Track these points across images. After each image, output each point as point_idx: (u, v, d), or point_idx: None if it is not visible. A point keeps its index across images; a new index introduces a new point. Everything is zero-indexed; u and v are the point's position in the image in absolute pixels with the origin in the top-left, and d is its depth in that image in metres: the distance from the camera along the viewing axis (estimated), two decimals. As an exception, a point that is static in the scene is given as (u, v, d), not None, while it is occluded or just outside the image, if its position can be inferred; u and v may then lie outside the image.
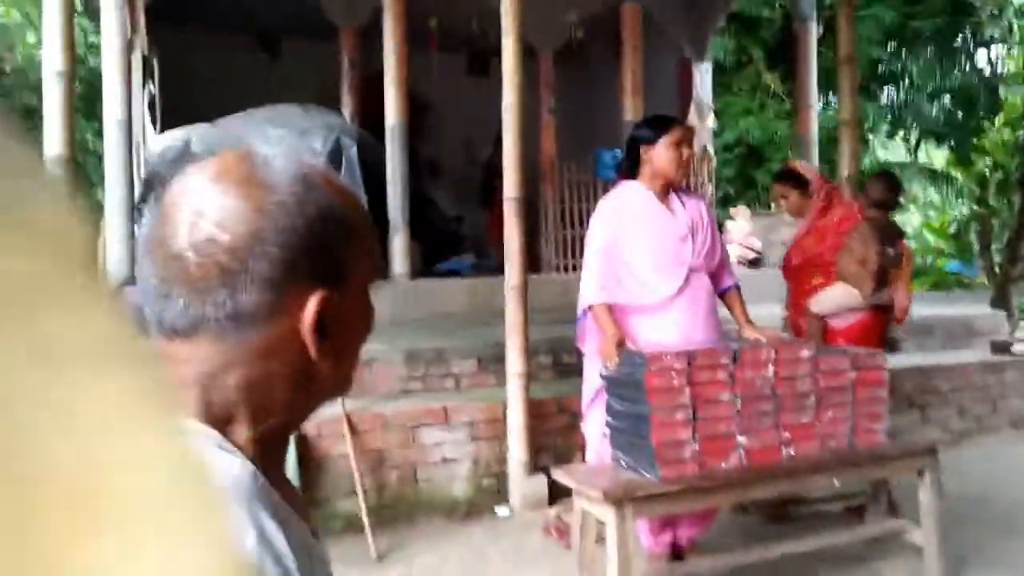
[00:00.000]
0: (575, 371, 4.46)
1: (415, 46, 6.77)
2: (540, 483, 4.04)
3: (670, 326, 3.14)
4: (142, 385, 0.30)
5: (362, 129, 6.67)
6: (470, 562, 3.48)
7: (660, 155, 3.14)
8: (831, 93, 12.60)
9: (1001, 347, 5.66)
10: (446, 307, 6.16)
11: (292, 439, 3.48)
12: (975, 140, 10.56)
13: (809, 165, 4.67)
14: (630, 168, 3.27)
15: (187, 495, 0.31)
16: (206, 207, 0.68)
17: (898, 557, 3.35)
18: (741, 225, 9.06)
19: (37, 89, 8.82)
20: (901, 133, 14.19)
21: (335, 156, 5.93)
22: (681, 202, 3.25)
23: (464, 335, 5.06)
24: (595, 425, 3.23)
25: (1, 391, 0.25)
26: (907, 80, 13.25)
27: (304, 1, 7.46)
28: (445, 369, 4.55)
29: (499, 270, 4.82)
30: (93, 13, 8.71)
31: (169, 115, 7.27)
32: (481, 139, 9.97)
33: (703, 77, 9.31)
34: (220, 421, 0.69)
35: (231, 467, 0.64)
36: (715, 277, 3.36)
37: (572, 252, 8.38)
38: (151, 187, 5.74)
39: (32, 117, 9.88)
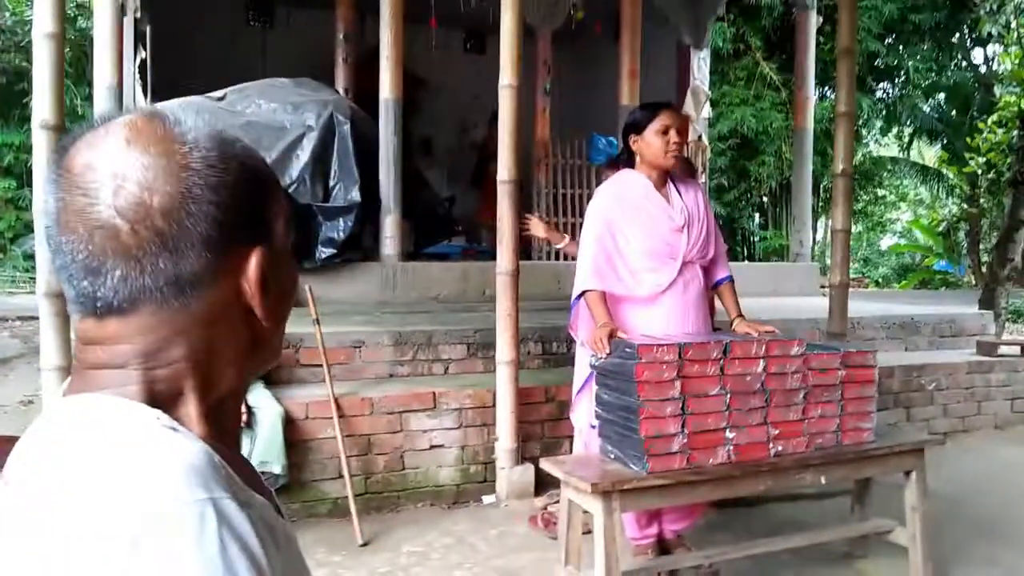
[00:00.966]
0: (564, 360, 4.47)
1: (412, 21, 6.67)
2: (527, 472, 4.03)
3: (660, 318, 3.13)
4: None
5: (355, 105, 6.58)
6: (456, 549, 3.47)
7: (647, 143, 3.11)
8: (826, 86, 12.59)
9: (988, 348, 5.69)
10: (436, 290, 6.12)
11: (280, 421, 3.47)
12: (968, 139, 10.58)
13: None
14: (628, 157, 3.24)
15: None
16: (127, 170, 0.64)
17: (882, 556, 3.37)
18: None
19: (26, 50, 8.67)
20: (895, 129, 14.23)
21: (328, 132, 5.85)
22: (678, 191, 3.22)
23: (454, 320, 5.03)
24: (584, 413, 3.22)
25: None
26: (903, 75, 13.26)
27: (300, -29, 7.33)
28: (434, 354, 4.53)
29: (490, 255, 4.78)
30: (84, -25, 8.56)
31: (160, 83, 7.16)
32: (475, 118, 9.90)
33: (701, 64, 9.25)
34: (166, 399, 0.65)
35: (184, 451, 0.60)
36: (709, 269, 3.34)
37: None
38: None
39: (22, 79, 9.73)
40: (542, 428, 4.24)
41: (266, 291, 0.69)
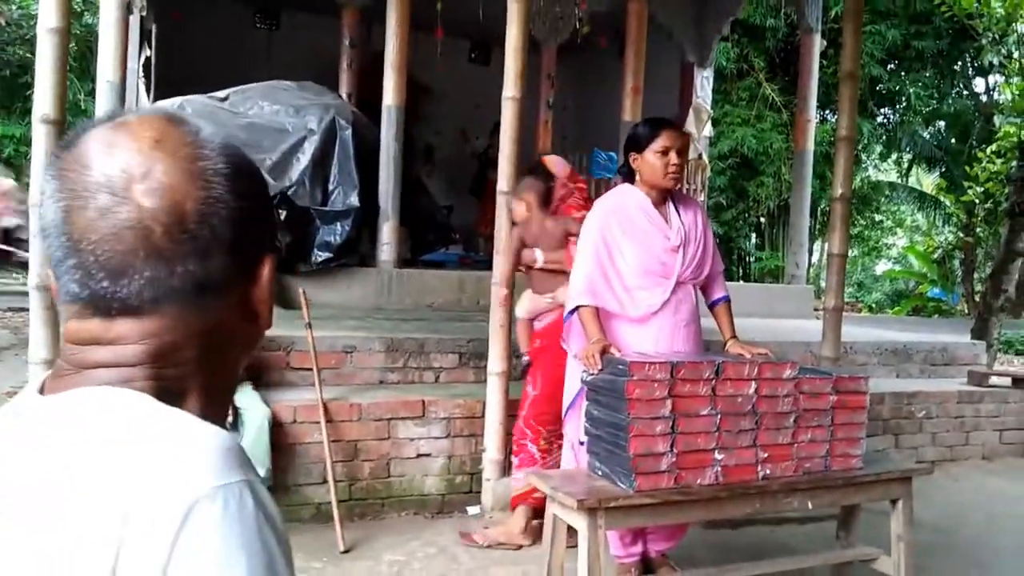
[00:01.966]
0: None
1: (418, 29, 6.69)
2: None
3: (651, 337, 3.12)
4: None
5: (357, 110, 6.59)
6: (438, 560, 3.45)
7: (646, 163, 3.09)
8: (827, 109, 12.65)
9: (979, 378, 5.69)
10: (431, 298, 6.11)
11: (268, 423, 3.44)
12: (967, 168, 10.63)
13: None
14: (629, 172, 3.23)
15: None
16: (158, 173, 0.64)
17: (865, 583, 3.36)
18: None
19: (31, 43, 8.66)
20: (894, 155, 14.29)
21: (329, 136, 5.85)
22: (677, 210, 3.20)
23: (447, 328, 5.02)
24: (573, 429, 3.21)
25: None
26: (904, 101, 13.32)
27: (308, -25, 7.36)
28: (425, 362, 4.51)
29: (486, 264, 4.77)
30: (92, -30, 8.57)
31: (163, 81, 7.17)
32: (477, 128, 9.91)
33: (704, 83, 9.29)
34: (172, 397, 0.66)
35: (218, 436, 0.62)
36: (705, 288, 3.33)
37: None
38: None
39: (26, 72, 9.72)
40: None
41: (272, 299, 0.73)
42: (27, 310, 3.40)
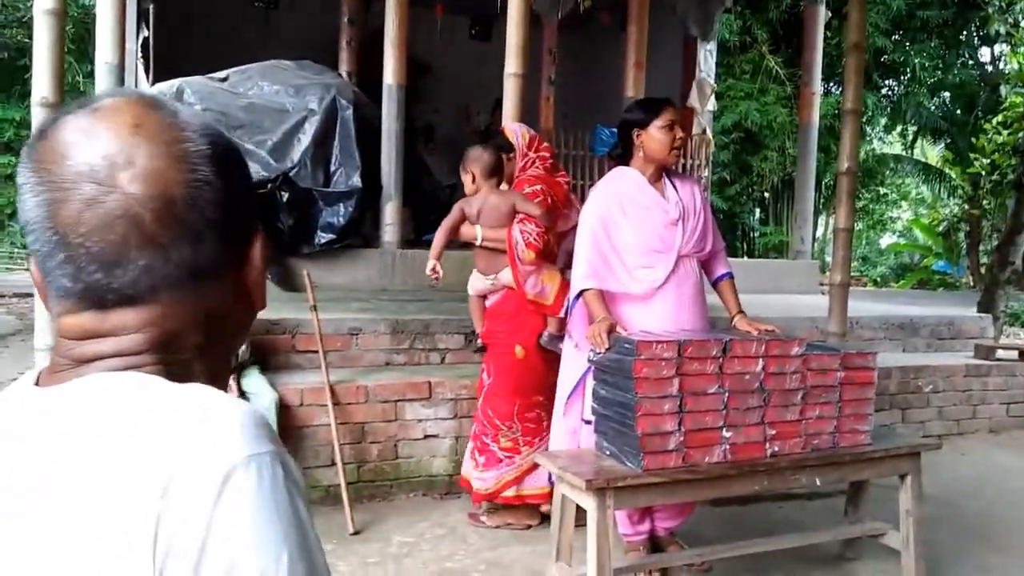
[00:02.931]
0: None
1: (418, 5, 6.62)
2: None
3: (657, 314, 3.11)
4: None
5: (358, 89, 6.53)
6: (447, 540, 3.47)
7: (652, 138, 3.09)
8: (831, 81, 12.53)
9: (985, 351, 5.68)
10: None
11: (275, 407, 3.44)
12: (972, 139, 10.54)
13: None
14: (623, 152, 3.21)
15: None
16: (142, 158, 0.62)
17: (874, 559, 3.37)
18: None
19: (28, 26, 8.59)
20: (899, 127, 14.18)
21: (330, 116, 5.80)
22: (674, 186, 3.19)
23: (451, 309, 5.00)
24: (574, 416, 3.21)
25: None
26: (909, 72, 13.19)
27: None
28: (431, 343, 4.50)
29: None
30: (87, -51, 8.48)
31: (162, 62, 7.11)
32: (479, 105, 9.84)
33: (707, 57, 9.20)
34: (177, 381, 0.65)
35: (246, 408, 0.63)
36: (708, 265, 3.32)
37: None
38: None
39: (24, 55, 9.65)
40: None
41: (263, 279, 0.72)
42: (32, 296, 3.41)
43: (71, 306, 0.65)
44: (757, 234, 13.20)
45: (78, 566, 0.56)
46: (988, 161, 9.79)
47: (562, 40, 8.88)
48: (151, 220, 0.62)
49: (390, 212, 6.07)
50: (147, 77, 6.38)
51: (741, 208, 12.93)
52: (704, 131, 8.72)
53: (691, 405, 2.78)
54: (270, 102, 5.83)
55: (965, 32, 13.33)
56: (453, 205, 3.68)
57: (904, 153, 15.41)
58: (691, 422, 2.77)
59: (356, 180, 5.72)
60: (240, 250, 0.70)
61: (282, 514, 0.58)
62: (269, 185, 5.35)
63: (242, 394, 3.53)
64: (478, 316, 3.78)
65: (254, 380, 3.66)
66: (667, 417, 2.75)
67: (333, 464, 3.68)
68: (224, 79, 5.96)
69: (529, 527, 3.60)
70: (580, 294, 3.09)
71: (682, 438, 2.74)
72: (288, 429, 3.66)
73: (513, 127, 3.93)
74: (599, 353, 2.87)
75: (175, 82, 5.74)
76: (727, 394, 2.83)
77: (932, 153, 16.82)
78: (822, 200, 12.48)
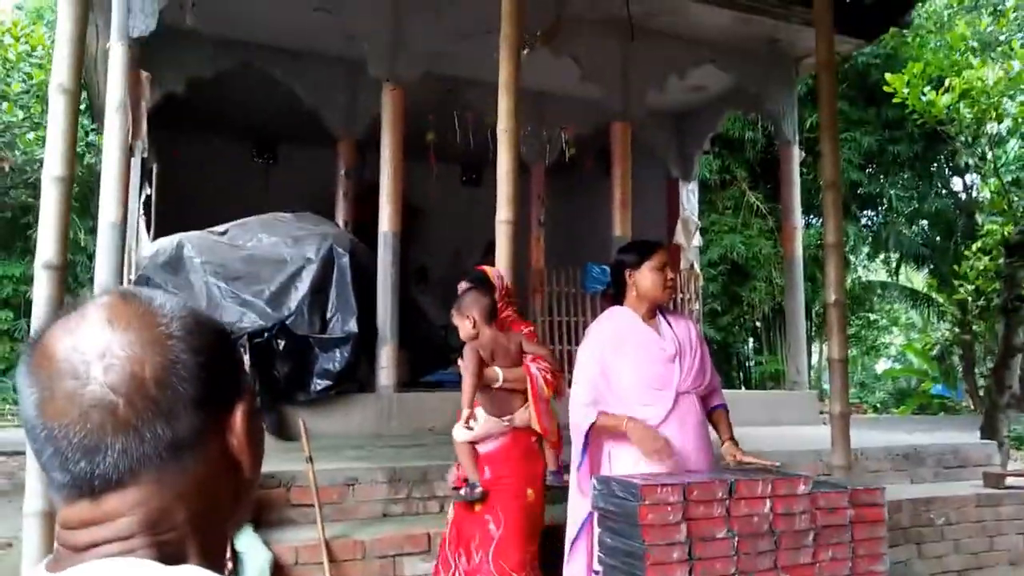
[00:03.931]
0: (562, 494, 4.34)
1: (411, 158, 6.93)
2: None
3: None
4: None
5: (354, 237, 6.72)
6: None
7: (645, 278, 3.16)
8: (811, 214, 12.94)
9: (995, 480, 5.56)
10: (431, 421, 6.03)
11: (269, 568, 3.32)
12: (955, 266, 10.79)
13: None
14: (616, 292, 3.28)
15: None
16: (114, 347, 0.67)
17: None
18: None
19: (34, 187, 8.90)
20: (882, 255, 14.50)
21: (327, 264, 5.94)
22: (668, 323, 3.24)
23: (448, 453, 4.92)
24: (581, 566, 3.10)
25: None
26: (886, 203, 13.65)
27: (304, 111, 7.67)
28: (428, 491, 4.40)
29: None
30: (96, 114, 8.91)
31: (163, 219, 7.32)
32: (471, 247, 10.09)
33: (689, 196, 9.57)
34: (174, 559, 0.66)
35: None
36: (704, 400, 3.31)
37: (561, 367, 8.32)
38: (140, 290, 5.69)
39: (28, 214, 9.95)
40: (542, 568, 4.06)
41: (252, 443, 0.74)
42: (23, 454, 3.33)
43: (67, 497, 0.68)
44: (752, 363, 13.22)
45: None
46: (973, 287, 9.97)
47: (550, 184, 9.25)
48: (124, 404, 0.66)
49: (386, 355, 6.09)
50: (148, 234, 6.56)
51: (734, 338, 13.01)
52: (692, 266, 8.93)
53: (700, 551, 2.70)
54: (268, 253, 5.97)
55: (936, 164, 13.91)
56: (463, 350, 3.57)
57: (889, 279, 15.69)
58: (702, 570, 2.68)
59: (352, 325, 5.78)
60: (220, 419, 0.72)
61: None
62: (266, 334, 5.40)
63: (235, 554, 3.41)
64: (472, 463, 3.52)
65: (247, 539, 3.54)
66: (677, 566, 2.66)
67: (329, 627, 3.50)
68: (224, 232, 6.14)
69: None
70: (586, 439, 3.07)
71: (694, 588, 2.65)
72: (283, 590, 3.51)
73: (494, 270, 4.02)
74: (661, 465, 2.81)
75: (175, 237, 5.90)
76: (736, 538, 2.75)
77: (917, 278, 17.16)
78: (814, 328, 12.59)
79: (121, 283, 5.65)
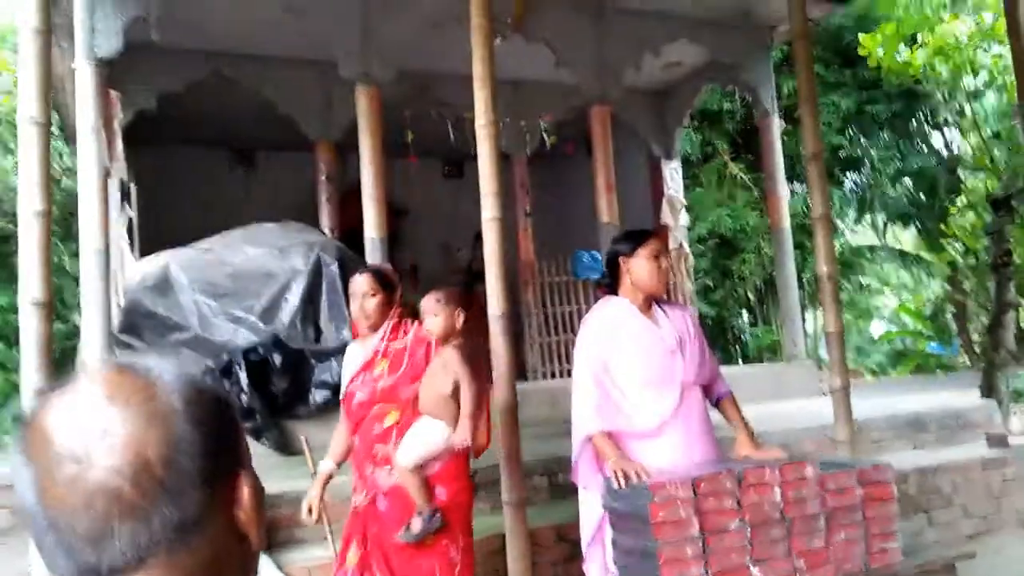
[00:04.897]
0: (571, 491, 4.32)
1: (392, 156, 6.86)
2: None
3: (667, 449, 3.02)
4: None
5: (341, 244, 6.67)
6: None
7: (639, 267, 3.11)
8: (795, 181, 12.94)
9: (997, 440, 5.59)
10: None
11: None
12: (941, 224, 10.82)
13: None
14: (611, 283, 3.24)
15: None
16: (113, 427, 0.64)
17: None
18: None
19: (13, 215, 8.77)
20: (868, 218, 14.52)
21: (316, 274, 5.89)
22: (665, 314, 3.19)
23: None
24: (598, 567, 3.08)
25: None
26: (868, 165, 13.66)
27: (279, 117, 7.58)
28: (436, 498, 4.37)
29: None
30: (69, 135, 8.78)
31: (146, 238, 7.24)
32: (459, 241, 10.05)
33: (673, 174, 9.53)
34: None
35: None
36: (707, 387, 3.28)
37: (558, 358, 8.32)
38: (131, 315, 5.64)
39: (8, 241, 9.83)
40: (554, 571, 4.06)
41: (259, 515, 0.72)
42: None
43: None
44: (747, 336, 13.25)
45: None
46: (960, 245, 10.03)
47: (533, 173, 9.19)
48: (129, 488, 0.63)
49: (382, 362, 6.05)
50: (133, 254, 6.48)
51: (728, 312, 13.03)
52: (680, 245, 8.91)
53: (714, 544, 2.69)
54: (256, 267, 5.91)
55: (915, 121, 13.92)
56: (446, 354, 3.35)
57: (878, 242, 15.73)
58: (717, 564, 2.68)
59: (346, 334, 5.73)
60: (226, 493, 0.70)
61: None
62: (260, 350, 5.35)
63: (247, 581, 3.38)
64: (424, 490, 2.95)
65: (259, 564, 3.52)
66: (692, 562, 2.65)
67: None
68: (208, 249, 6.07)
69: None
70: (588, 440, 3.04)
71: (710, 582, 2.64)
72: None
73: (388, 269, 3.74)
74: (630, 484, 2.76)
75: (161, 258, 5.83)
76: (749, 528, 2.74)
77: (905, 238, 17.20)
78: (806, 296, 12.62)
79: (108, 309, 5.59)
